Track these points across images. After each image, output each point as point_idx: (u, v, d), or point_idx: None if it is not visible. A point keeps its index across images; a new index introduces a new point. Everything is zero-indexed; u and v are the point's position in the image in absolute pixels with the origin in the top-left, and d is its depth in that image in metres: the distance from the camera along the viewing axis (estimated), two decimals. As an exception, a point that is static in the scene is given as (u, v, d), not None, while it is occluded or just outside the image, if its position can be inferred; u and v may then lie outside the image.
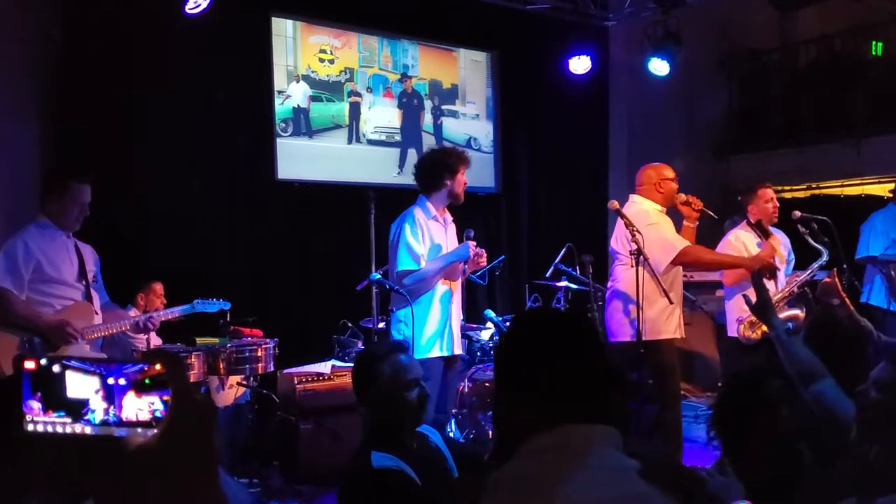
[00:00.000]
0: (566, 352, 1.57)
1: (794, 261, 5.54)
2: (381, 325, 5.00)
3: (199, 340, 5.03)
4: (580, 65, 8.09)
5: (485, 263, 4.50)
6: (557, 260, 6.23)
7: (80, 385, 0.81)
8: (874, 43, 9.13)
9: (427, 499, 2.41)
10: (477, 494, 1.52)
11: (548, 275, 6.27)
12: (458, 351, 4.53)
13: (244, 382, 5.20)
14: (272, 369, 5.19)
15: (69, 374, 0.82)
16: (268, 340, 5.15)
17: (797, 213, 5.35)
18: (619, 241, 4.91)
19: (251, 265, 6.53)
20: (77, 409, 0.81)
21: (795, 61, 9.85)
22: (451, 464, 2.62)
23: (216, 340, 5.05)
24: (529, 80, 8.23)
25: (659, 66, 8.15)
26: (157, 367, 0.81)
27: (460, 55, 8.07)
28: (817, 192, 9.32)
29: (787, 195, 9.04)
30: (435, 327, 4.30)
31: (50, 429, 0.81)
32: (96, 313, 4.11)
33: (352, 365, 3.28)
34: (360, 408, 2.72)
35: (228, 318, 5.11)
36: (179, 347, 4.94)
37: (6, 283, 3.88)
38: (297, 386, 5.35)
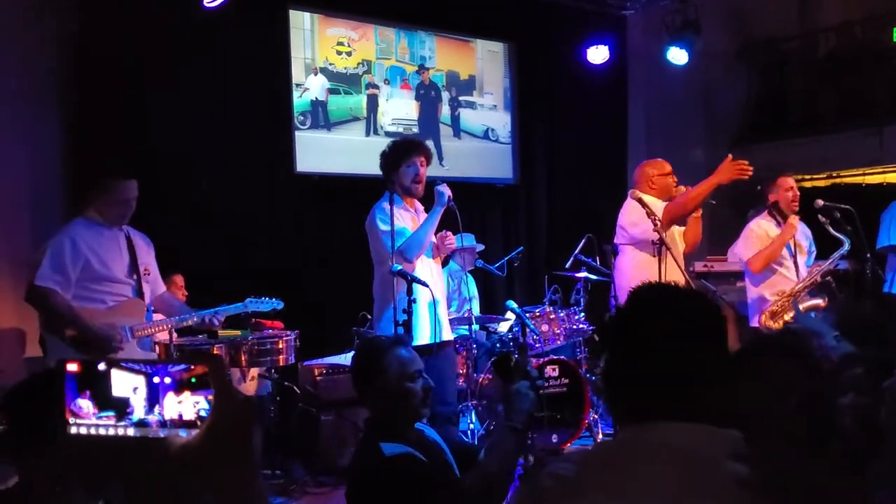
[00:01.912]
0: (668, 341, 1.41)
1: (815, 252, 5.49)
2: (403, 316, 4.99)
3: (220, 333, 5.04)
4: (598, 54, 8.05)
5: (454, 246, 4.50)
6: (577, 250, 6.22)
7: (125, 383, 0.81)
8: (895, 30, 9.02)
9: (441, 480, 2.41)
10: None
11: (568, 265, 6.26)
12: (448, 337, 4.52)
13: (265, 374, 5.22)
14: (293, 361, 5.19)
15: (115, 373, 0.81)
16: (289, 332, 5.15)
17: (820, 202, 5.32)
18: (636, 232, 4.90)
19: (271, 258, 6.54)
20: (122, 408, 0.81)
21: (815, 49, 9.75)
22: (449, 457, 2.62)
23: (238, 333, 5.07)
24: (547, 70, 8.20)
25: (677, 56, 8.10)
26: (202, 367, 0.81)
27: (477, 46, 8.05)
28: (838, 181, 9.23)
29: (808, 184, 8.96)
30: (423, 315, 4.26)
31: (94, 431, 0.81)
32: (147, 310, 4.08)
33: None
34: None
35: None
36: (202, 340, 4.94)
37: (50, 283, 3.80)
38: (318, 378, 5.38)
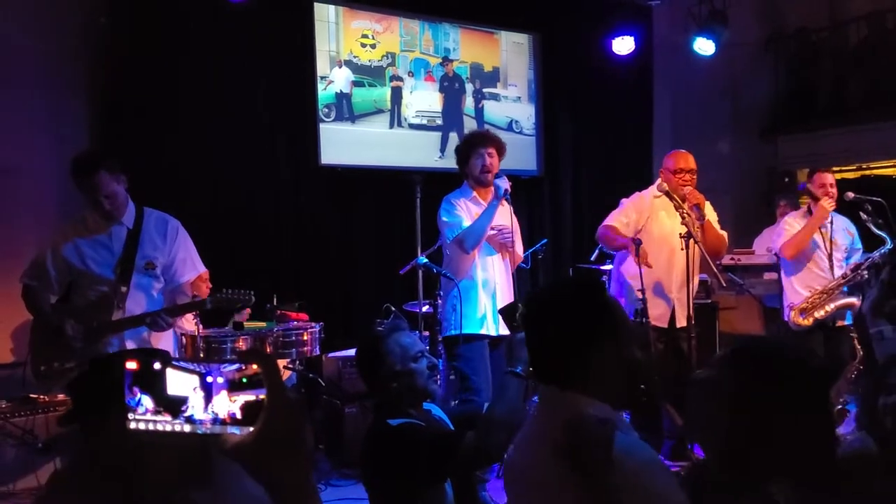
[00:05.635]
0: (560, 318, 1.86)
1: (861, 249, 5.38)
2: (427, 308, 5.00)
3: (246, 325, 5.08)
4: (623, 45, 7.98)
5: (510, 238, 4.52)
6: (602, 243, 6.16)
7: (179, 383, 0.83)
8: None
9: (441, 434, 2.59)
10: None
11: (593, 258, 6.22)
12: (506, 331, 4.55)
13: (290, 366, 5.25)
14: (318, 353, 5.22)
15: (169, 372, 0.83)
16: (313, 324, 5.18)
17: (850, 195, 5.25)
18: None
19: (296, 250, 6.57)
20: (176, 407, 0.83)
21: (845, 39, 9.60)
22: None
23: (263, 324, 5.11)
24: (572, 61, 8.14)
25: (704, 46, 8.01)
26: (254, 366, 0.82)
27: (502, 38, 8.01)
28: (868, 172, 9.10)
29: (837, 176, 8.81)
30: (481, 307, 4.30)
31: (152, 427, 0.83)
32: (119, 308, 3.83)
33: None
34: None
35: (275, 303, 5.15)
36: (227, 332, 4.98)
37: (31, 281, 3.94)
38: (343, 369, 5.39)
